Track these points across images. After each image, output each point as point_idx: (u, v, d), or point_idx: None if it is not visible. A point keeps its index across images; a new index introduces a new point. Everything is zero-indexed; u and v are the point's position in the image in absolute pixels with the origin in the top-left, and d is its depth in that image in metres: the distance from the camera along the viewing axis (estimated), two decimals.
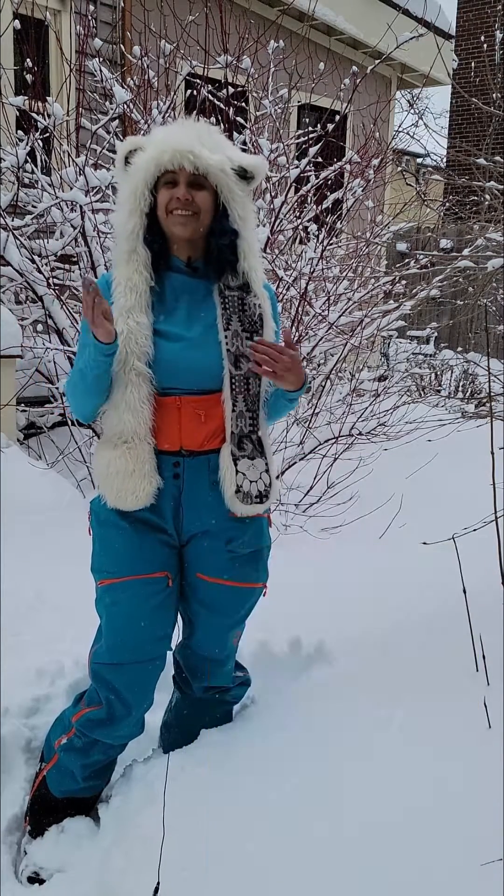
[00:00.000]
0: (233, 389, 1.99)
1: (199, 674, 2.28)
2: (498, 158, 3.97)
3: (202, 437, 2.01)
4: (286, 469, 4.73)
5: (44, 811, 2.25)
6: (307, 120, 6.17)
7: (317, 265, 4.82)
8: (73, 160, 4.42)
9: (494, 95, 5.05)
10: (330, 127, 4.81)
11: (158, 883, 1.78)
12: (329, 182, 5.07)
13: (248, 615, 2.23)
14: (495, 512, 2.36)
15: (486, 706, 1.97)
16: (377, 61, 4.79)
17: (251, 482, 2.04)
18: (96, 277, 4.37)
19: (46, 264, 4.53)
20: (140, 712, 2.16)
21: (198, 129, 1.97)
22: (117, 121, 4.88)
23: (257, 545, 2.14)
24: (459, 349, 9.00)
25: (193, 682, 2.30)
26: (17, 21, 4.97)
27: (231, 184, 1.94)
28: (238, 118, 4.94)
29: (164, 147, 1.90)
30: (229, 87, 4.87)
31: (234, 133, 4.81)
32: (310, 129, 5.26)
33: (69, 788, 2.23)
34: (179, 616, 2.23)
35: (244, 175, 1.97)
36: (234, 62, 4.81)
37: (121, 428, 1.98)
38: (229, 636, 2.22)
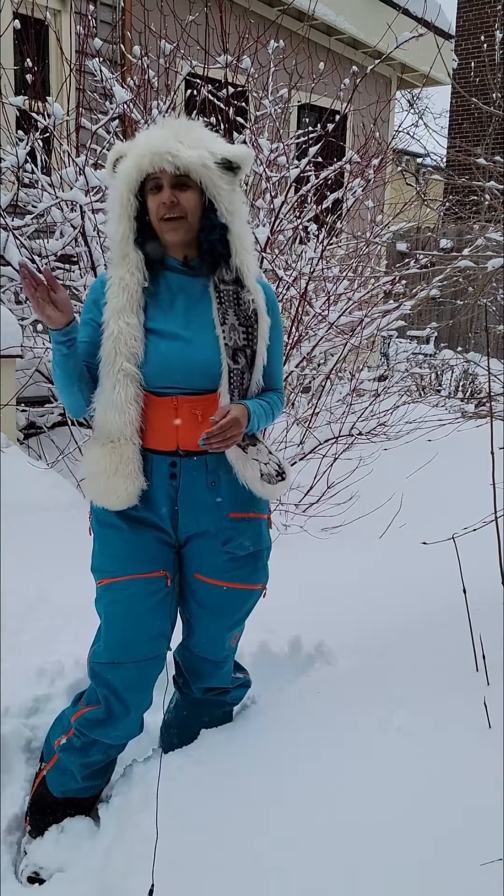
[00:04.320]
0: (231, 383, 1.99)
1: (197, 675, 2.28)
2: (498, 158, 3.97)
3: (198, 437, 2.00)
4: None
5: (44, 811, 2.25)
6: (307, 120, 6.18)
7: (317, 265, 4.82)
8: (73, 160, 4.42)
9: (494, 95, 5.05)
10: (330, 127, 4.81)
11: (153, 885, 1.77)
12: (329, 182, 5.08)
13: (247, 617, 2.23)
14: (495, 512, 2.36)
15: (486, 706, 1.97)
16: (377, 61, 4.79)
17: (265, 464, 2.06)
18: (96, 277, 4.38)
19: (46, 264, 4.53)
20: (139, 712, 2.16)
21: (175, 128, 1.95)
22: (117, 121, 4.87)
23: (256, 547, 2.14)
24: (459, 349, 9.01)
25: (192, 683, 2.30)
26: (17, 21, 4.97)
27: (215, 178, 1.92)
28: (238, 118, 4.94)
29: (144, 151, 1.90)
30: (229, 87, 4.87)
31: (234, 133, 4.82)
32: (310, 129, 5.26)
33: (69, 788, 2.23)
34: (179, 616, 2.23)
35: (230, 167, 1.94)
36: (234, 62, 4.81)
37: (108, 428, 1.99)
38: (227, 637, 2.22)
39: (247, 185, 4.71)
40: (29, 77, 4.74)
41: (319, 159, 4.78)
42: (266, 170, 4.60)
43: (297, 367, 4.82)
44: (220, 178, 1.93)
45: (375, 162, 5.49)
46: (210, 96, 4.89)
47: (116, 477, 1.99)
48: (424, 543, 2.41)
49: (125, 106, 4.58)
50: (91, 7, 6.09)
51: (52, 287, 1.86)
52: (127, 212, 1.95)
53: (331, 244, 5.36)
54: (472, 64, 10.08)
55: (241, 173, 1.98)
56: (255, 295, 2.02)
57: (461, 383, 8.06)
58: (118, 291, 1.97)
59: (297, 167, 4.75)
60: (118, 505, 2.02)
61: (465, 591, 2.23)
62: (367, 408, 5.09)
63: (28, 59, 4.77)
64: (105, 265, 4.38)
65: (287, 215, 4.82)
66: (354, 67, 5.48)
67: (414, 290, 5.85)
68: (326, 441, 4.85)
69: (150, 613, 2.07)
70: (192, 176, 1.91)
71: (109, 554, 2.08)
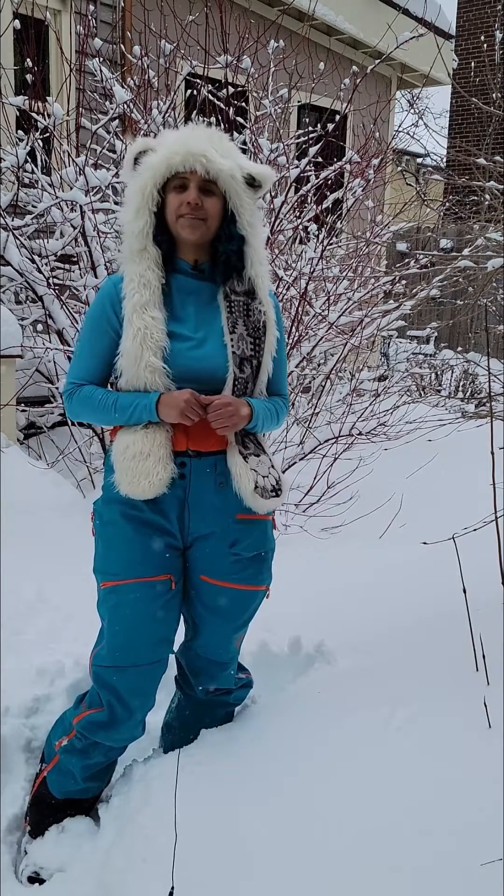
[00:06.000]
0: (235, 391, 2.01)
1: (201, 676, 2.28)
2: (498, 158, 3.97)
3: (208, 438, 2.01)
4: (286, 469, 4.73)
5: (44, 811, 2.25)
6: (307, 120, 6.17)
7: (317, 265, 4.82)
8: (73, 160, 4.42)
9: (494, 95, 5.05)
10: (330, 127, 4.81)
11: (173, 888, 1.76)
12: (329, 182, 5.08)
13: (252, 618, 2.23)
14: (495, 512, 2.36)
15: (486, 706, 1.97)
16: (377, 61, 4.79)
17: (264, 477, 2.06)
18: (96, 277, 4.38)
19: (46, 264, 4.53)
20: (141, 715, 2.16)
21: (210, 135, 1.99)
22: (117, 121, 4.88)
23: (261, 548, 2.14)
24: (459, 349, 9.01)
25: (195, 684, 2.30)
26: (17, 21, 4.97)
27: (239, 190, 1.96)
28: (238, 118, 4.94)
29: (177, 149, 1.92)
30: (229, 87, 4.87)
31: (234, 133, 4.82)
32: (310, 129, 5.26)
33: (69, 789, 2.22)
34: (182, 617, 2.23)
35: (252, 183, 1.99)
36: (234, 62, 4.81)
37: None
38: (232, 639, 2.22)
39: None
40: (29, 77, 4.74)
41: (319, 159, 4.78)
42: None
43: (297, 367, 4.82)
44: (245, 192, 1.97)
45: (375, 162, 5.49)
46: (210, 96, 4.89)
47: (149, 461, 1.96)
48: (424, 543, 2.41)
49: (125, 106, 4.59)
50: (91, 7, 6.09)
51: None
52: (148, 205, 1.95)
53: (331, 244, 5.36)
54: (472, 64, 10.07)
55: (261, 192, 2.02)
56: (266, 307, 2.05)
57: (461, 383, 8.07)
58: (139, 287, 1.96)
59: (297, 167, 4.75)
60: (148, 492, 1.97)
61: (465, 591, 2.23)
62: (367, 408, 5.09)
63: (28, 59, 4.77)
64: (106, 265, 4.38)
65: (287, 215, 4.82)
66: (354, 67, 5.47)
67: (414, 290, 5.85)
68: (326, 441, 4.85)
69: (154, 617, 2.07)
70: (218, 184, 1.94)
71: (114, 556, 2.07)
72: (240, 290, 2.02)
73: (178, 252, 2.03)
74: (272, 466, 2.10)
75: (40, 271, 4.42)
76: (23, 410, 4.75)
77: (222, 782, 2.07)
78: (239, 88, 5.23)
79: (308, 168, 4.76)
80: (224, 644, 2.21)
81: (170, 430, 1.99)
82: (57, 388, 4.67)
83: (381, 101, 7.25)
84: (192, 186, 1.93)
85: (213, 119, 4.91)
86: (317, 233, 5.34)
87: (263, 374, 2.07)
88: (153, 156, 1.95)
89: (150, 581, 2.04)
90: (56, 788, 2.23)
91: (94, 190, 4.30)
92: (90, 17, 5.64)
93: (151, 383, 1.95)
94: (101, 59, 4.83)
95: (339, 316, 4.93)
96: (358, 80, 5.02)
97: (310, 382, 5.37)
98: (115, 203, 4.50)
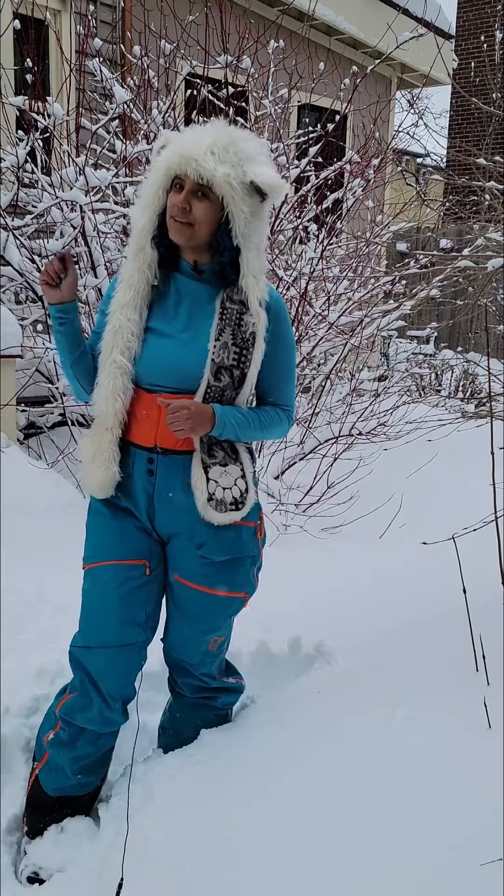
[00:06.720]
0: (206, 398, 1.99)
1: (176, 674, 2.31)
2: (498, 158, 3.97)
3: (174, 436, 2.00)
4: (286, 469, 4.74)
5: (39, 811, 2.24)
6: (307, 120, 6.18)
7: (317, 265, 4.82)
8: (73, 160, 4.42)
9: (494, 95, 5.06)
10: (330, 127, 4.82)
11: (122, 879, 1.78)
12: (329, 182, 5.08)
13: (224, 624, 2.21)
14: (495, 512, 2.36)
15: (486, 706, 1.97)
16: (377, 61, 4.79)
17: (224, 489, 2.03)
18: (96, 277, 4.38)
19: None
20: (114, 700, 2.14)
21: (215, 136, 1.91)
22: (117, 121, 4.88)
23: (234, 554, 2.10)
24: (459, 349, 9.01)
25: (178, 678, 2.31)
26: (17, 21, 4.97)
27: (237, 198, 1.88)
28: (238, 118, 4.94)
29: (178, 150, 1.90)
30: (229, 87, 4.87)
31: None
32: (310, 129, 5.26)
33: (61, 785, 2.21)
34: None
35: (259, 191, 1.91)
36: (234, 62, 4.81)
37: (98, 417, 2.05)
38: (201, 642, 2.20)
39: None
40: (29, 77, 4.74)
41: (319, 159, 4.78)
42: None
43: (297, 367, 4.82)
44: (243, 201, 1.89)
45: (375, 162, 5.49)
46: (210, 96, 4.89)
47: (94, 464, 2.06)
48: (424, 543, 2.41)
49: (125, 106, 4.59)
50: (91, 7, 6.09)
51: (66, 267, 2.00)
52: (152, 205, 1.96)
53: (331, 244, 5.37)
54: (472, 64, 10.08)
55: (269, 202, 1.95)
56: (257, 320, 2.00)
57: (461, 383, 8.07)
58: (126, 288, 2.01)
59: (297, 167, 4.75)
60: (97, 493, 2.08)
61: (465, 591, 2.24)
62: (367, 408, 5.09)
63: (28, 59, 4.77)
64: (106, 265, 4.38)
65: (287, 215, 4.82)
66: (354, 67, 5.48)
67: (414, 290, 5.85)
68: (326, 441, 4.85)
69: (123, 600, 2.08)
70: (214, 189, 1.88)
71: (93, 541, 2.14)
72: (236, 299, 2.00)
73: (180, 252, 2.03)
74: (241, 478, 2.06)
75: (40, 271, 4.41)
76: (23, 410, 4.75)
77: (221, 782, 2.07)
78: (239, 88, 5.23)
79: (308, 168, 4.76)
80: (190, 645, 2.20)
81: (116, 430, 2.03)
82: (57, 388, 4.67)
83: (381, 101, 7.25)
84: (186, 189, 1.90)
85: (212, 119, 4.90)
86: (317, 233, 5.34)
87: (247, 386, 2.04)
88: (163, 154, 1.94)
89: (123, 564, 2.08)
90: (48, 785, 2.22)
91: (94, 190, 4.29)
92: (90, 17, 5.64)
93: (113, 377, 2.00)
94: (101, 59, 4.83)
95: (339, 316, 4.94)
96: (358, 80, 5.02)
97: (310, 382, 5.37)
98: (116, 203, 4.50)
